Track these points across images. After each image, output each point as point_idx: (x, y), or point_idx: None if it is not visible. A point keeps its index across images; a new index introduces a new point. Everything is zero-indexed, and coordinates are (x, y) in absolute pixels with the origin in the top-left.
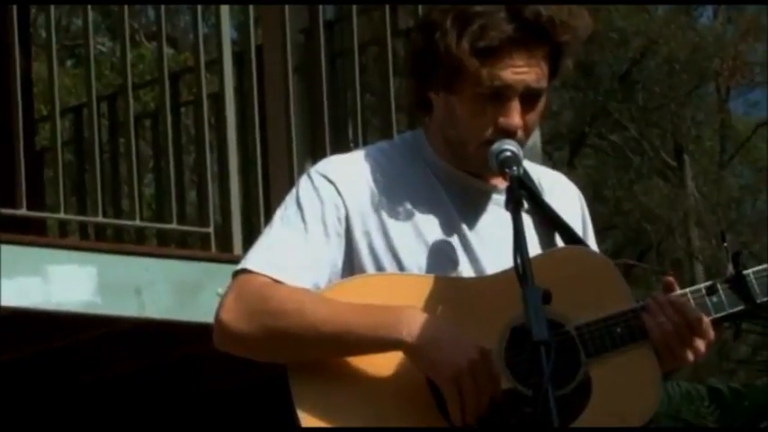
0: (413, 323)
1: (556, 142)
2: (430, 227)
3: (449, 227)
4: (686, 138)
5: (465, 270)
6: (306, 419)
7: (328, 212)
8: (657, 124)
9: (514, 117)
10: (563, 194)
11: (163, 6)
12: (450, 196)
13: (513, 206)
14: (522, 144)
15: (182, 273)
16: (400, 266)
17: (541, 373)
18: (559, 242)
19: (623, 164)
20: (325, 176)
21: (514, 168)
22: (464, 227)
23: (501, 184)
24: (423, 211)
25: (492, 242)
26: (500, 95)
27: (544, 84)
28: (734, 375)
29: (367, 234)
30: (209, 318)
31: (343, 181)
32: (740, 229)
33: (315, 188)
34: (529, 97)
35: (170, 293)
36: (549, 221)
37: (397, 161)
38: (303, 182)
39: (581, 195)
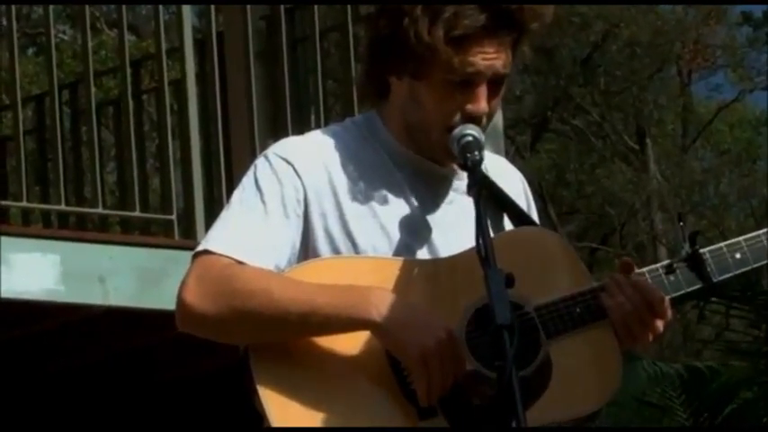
0: (381, 303)
1: (518, 127)
2: (386, 210)
3: (405, 211)
4: (648, 121)
5: (421, 254)
6: (268, 400)
7: (288, 193)
8: (619, 108)
9: (482, 103)
10: (507, 179)
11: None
12: (407, 180)
13: (476, 190)
14: (483, 129)
15: (145, 260)
16: (355, 249)
17: (504, 357)
18: (508, 225)
19: (586, 148)
20: (283, 158)
21: (476, 153)
22: (420, 211)
23: (458, 169)
24: (379, 195)
25: (448, 226)
26: (469, 82)
27: (509, 69)
28: (699, 355)
29: (323, 216)
30: (173, 305)
31: (301, 162)
32: (703, 211)
33: (273, 170)
34: (495, 83)
35: (134, 281)
36: (499, 205)
37: (352, 144)
38: (261, 163)
39: (523, 179)
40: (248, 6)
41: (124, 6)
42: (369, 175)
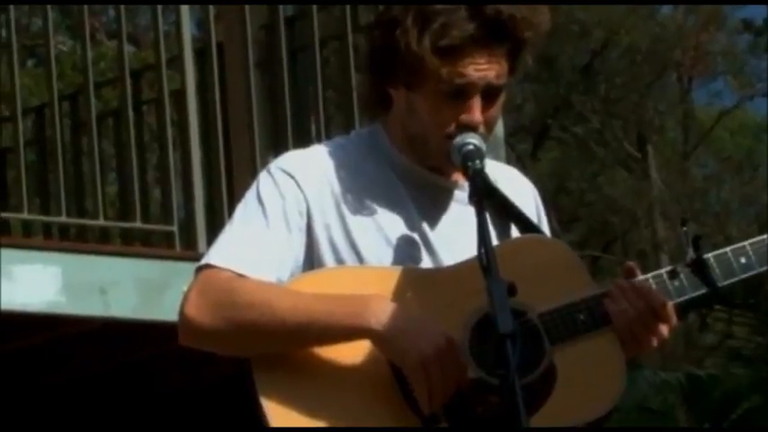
0: (380, 311)
1: (519, 135)
2: (390, 222)
3: (409, 223)
4: (649, 128)
5: (425, 265)
6: (271, 411)
7: (290, 207)
8: (620, 115)
9: (475, 114)
10: (517, 189)
11: (123, 5)
12: (410, 192)
13: (477, 199)
14: (483, 139)
15: (146, 271)
16: (360, 261)
17: (507, 365)
18: (515, 234)
19: (587, 156)
20: (285, 171)
21: (477, 162)
22: (424, 223)
23: (461, 179)
24: (382, 207)
25: (451, 238)
26: (461, 92)
27: (504, 80)
28: (701, 363)
29: (327, 228)
30: (174, 316)
31: (303, 175)
32: (705, 219)
33: (276, 183)
34: (489, 94)
35: (135, 292)
36: (506, 214)
37: (355, 157)
38: (263, 177)
39: (535, 189)
40: (248, 16)
41: (123, 16)
42: (371, 188)
